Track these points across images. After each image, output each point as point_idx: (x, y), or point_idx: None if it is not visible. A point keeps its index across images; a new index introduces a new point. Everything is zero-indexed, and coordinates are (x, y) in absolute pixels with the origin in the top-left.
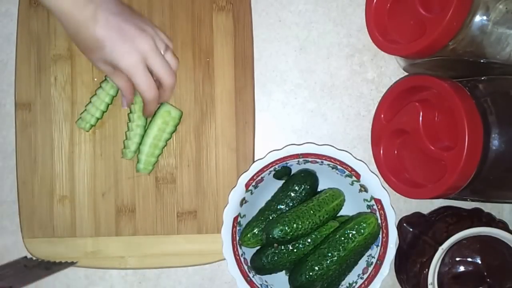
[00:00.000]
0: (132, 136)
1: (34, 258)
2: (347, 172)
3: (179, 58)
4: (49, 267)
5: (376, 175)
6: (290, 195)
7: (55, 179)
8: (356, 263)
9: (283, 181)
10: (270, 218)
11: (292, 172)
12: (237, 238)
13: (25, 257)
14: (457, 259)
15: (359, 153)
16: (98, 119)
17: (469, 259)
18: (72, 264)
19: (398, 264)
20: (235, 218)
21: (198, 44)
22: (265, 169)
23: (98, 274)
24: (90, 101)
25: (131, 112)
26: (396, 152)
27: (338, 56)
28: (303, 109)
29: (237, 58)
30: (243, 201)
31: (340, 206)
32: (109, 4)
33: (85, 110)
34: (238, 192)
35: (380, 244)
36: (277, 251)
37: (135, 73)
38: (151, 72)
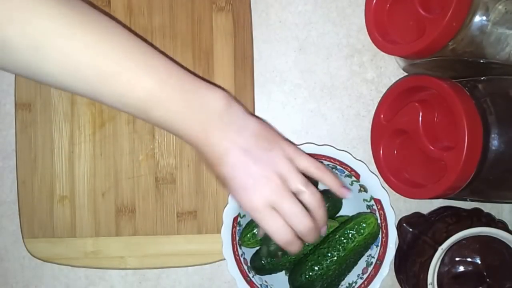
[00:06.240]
0: None
1: None
2: (346, 172)
3: (179, 59)
4: None
5: (376, 175)
6: None
7: (55, 179)
8: (355, 263)
9: None
10: None
11: None
12: (237, 238)
13: None
14: (457, 259)
15: (359, 153)
16: None
17: (469, 259)
18: None
19: (398, 264)
20: (235, 218)
21: (198, 44)
22: None
23: (98, 274)
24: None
25: None
26: (396, 152)
27: (338, 56)
28: (302, 109)
29: (236, 59)
30: None
31: (339, 206)
32: (245, 137)
33: None
34: None
35: (379, 244)
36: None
37: (258, 219)
38: None
